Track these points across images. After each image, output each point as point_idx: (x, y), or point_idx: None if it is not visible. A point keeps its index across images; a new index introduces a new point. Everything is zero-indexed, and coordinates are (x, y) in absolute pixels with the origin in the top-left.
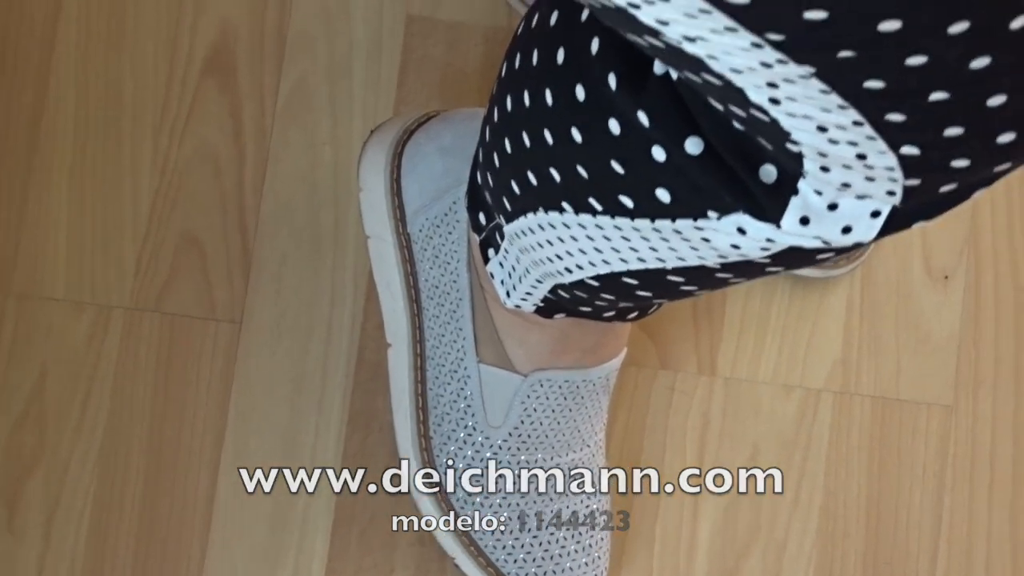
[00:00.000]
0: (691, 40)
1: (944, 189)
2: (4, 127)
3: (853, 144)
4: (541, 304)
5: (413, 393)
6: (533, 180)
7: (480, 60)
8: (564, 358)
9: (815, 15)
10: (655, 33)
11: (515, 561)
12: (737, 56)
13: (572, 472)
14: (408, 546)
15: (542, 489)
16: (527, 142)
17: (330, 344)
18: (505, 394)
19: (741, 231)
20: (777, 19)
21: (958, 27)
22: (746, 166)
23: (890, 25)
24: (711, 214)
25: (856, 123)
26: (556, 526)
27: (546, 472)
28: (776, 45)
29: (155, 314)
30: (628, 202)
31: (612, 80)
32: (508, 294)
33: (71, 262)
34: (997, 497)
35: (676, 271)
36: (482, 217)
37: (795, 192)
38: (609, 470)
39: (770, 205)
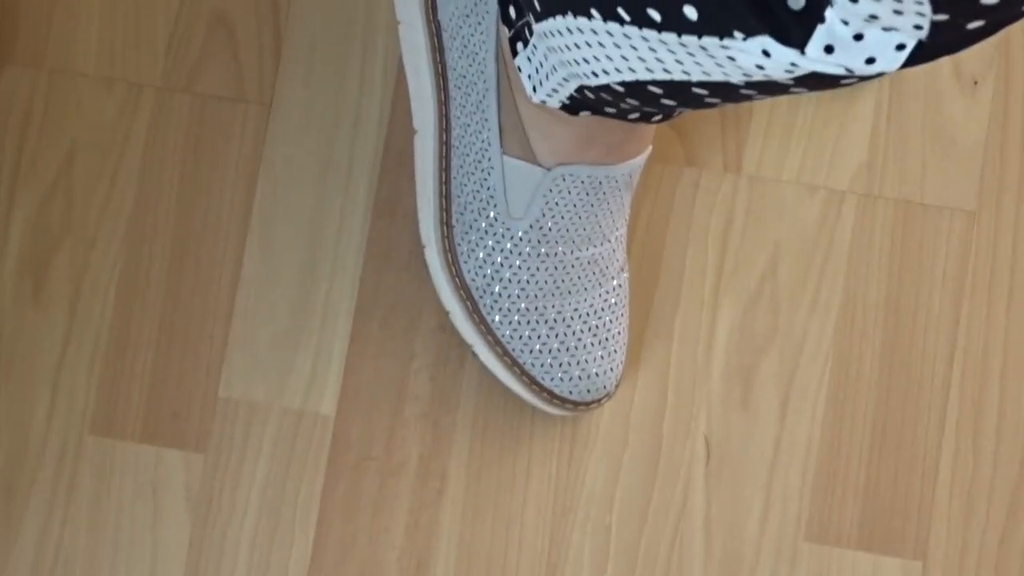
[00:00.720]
0: None
1: (972, 26)
2: None
3: None
4: (567, 102)
5: (437, 181)
6: None
7: None
8: (588, 153)
9: None
10: None
11: (531, 352)
12: None
13: (591, 265)
14: (430, 332)
15: (561, 282)
16: None
17: (359, 129)
18: (528, 186)
19: (766, 53)
20: None
21: None
22: None
23: None
24: (737, 34)
25: None
26: (573, 319)
27: (565, 265)
28: None
29: (185, 94)
30: (656, 15)
31: None
32: (535, 89)
33: (103, 39)
34: (1015, 304)
35: (701, 84)
36: (512, 11)
37: (822, 20)
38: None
39: (796, 31)
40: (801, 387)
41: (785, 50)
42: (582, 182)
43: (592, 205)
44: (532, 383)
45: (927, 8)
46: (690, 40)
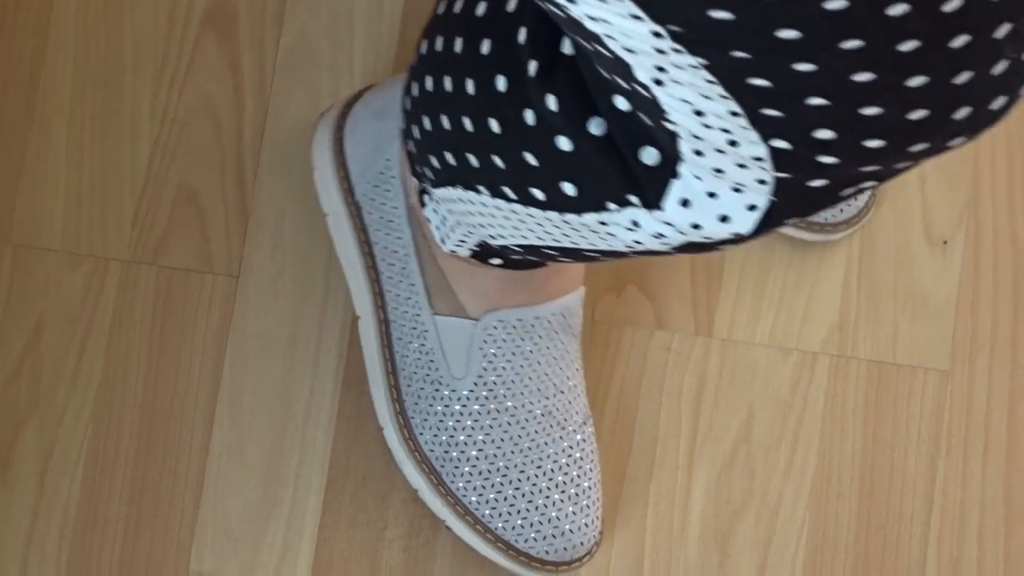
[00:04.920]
0: (593, 20)
1: (815, 184)
2: (4, 77)
3: (726, 131)
4: (476, 249)
5: (382, 359)
6: (451, 160)
7: None
8: (513, 297)
9: (721, 15)
10: (561, 7)
11: (500, 515)
12: (634, 39)
13: (547, 418)
14: (402, 503)
15: (518, 438)
16: (446, 125)
17: (327, 301)
18: (463, 342)
19: (636, 224)
20: (684, 14)
21: (851, 44)
22: (632, 145)
23: (789, 34)
24: (611, 206)
25: (733, 113)
26: (538, 476)
27: (519, 421)
28: (676, 36)
29: (152, 267)
30: (539, 195)
31: (532, 67)
32: (443, 241)
33: (69, 213)
34: (991, 463)
35: (592, 251)
36: (416, 166)
37: (676, 175)
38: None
39: (652, 187)
40: (778, 551)
41: (651, 219)
42: (513, 327)
43: (531, 352)
44: (508, 548)
45: (768, 164)
46: (572, 218)
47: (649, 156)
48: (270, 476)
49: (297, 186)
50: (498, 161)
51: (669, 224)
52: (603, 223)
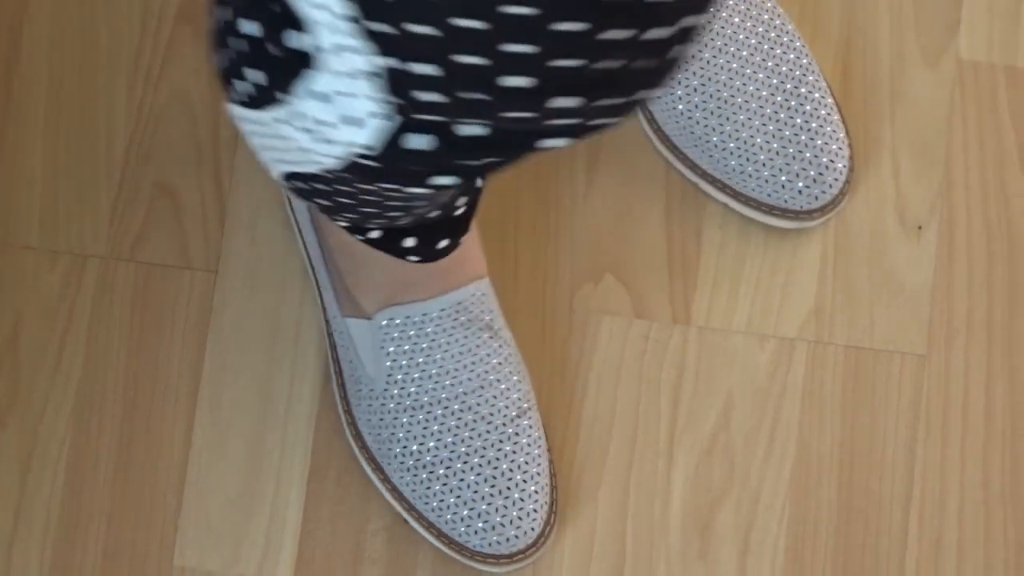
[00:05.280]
0: None
1: (465, 132)
2: None
3: (345, 34)
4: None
5: (331, 358)
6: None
7: None
8: (402, 293)
9: None
10: None
11: (434, 509)
12: None
13: (470, 413)
14: (383, 495)
15: (441, 435)
16: None
17: (306, 295)
18: (368, 342)
19: (284, 120)
20: None
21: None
22: (273, 29)
23: None
24: (280, 95)
25: (350, 18)
26: (464, 471)
27: (437, 417)
28: None
29: (130, 263)
30: (243, 89)
31: None
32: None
33: (45, 210)
34: (969, 446)
35: (342, 180)
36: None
37: (311, 65)
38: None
39: (287, 72)
40: (759, 537)
41: (291, 111)
42: (405, 325)
43: (428, 349)
44: (450, 543)
45: (381, 83)
46: (257, 117)
47: (290, 39)
48: (252, 470)
49: (274, 181)
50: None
51: (304, 116)
52: (276, 120)
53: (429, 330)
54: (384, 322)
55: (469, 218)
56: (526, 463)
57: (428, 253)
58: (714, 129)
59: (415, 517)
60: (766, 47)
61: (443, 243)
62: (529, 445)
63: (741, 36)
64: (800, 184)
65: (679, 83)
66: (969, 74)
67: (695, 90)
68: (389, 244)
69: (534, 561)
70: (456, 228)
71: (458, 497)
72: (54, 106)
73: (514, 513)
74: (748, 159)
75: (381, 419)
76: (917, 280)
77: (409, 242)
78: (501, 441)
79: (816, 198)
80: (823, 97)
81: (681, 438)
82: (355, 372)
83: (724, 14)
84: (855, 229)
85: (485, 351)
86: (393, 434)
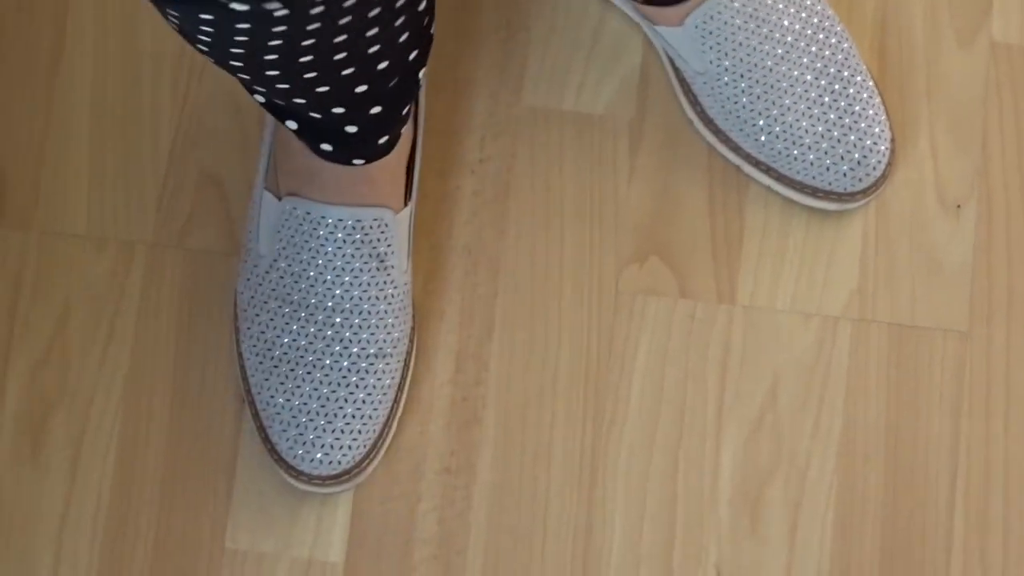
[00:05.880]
0: None
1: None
2: (24, 67)
3: None
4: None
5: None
6: None
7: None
8: (312, 188)
9: None
10: None
11: (263, 400)
12: None
13: (329, 331)
14: (435, 475)
15: (296, 336)
16: None
17: None
18: (270, 220)
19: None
20: None
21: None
22: None
23: None
24: None
25: None
26: (304, 380)
27: (299, 319)
28: None
29: (177, 250)
30: None
31: None
32: None
33: (93, 198)
34: (1013, 420)
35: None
36: None
37: None
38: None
39: None
40: (808, 513)
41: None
42: (301, 219)
43: (313, 250)
44: (265, 438)
45: None
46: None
47: None
48: None
49: None
50: None
51: None
52: None
53: (320, 233)
54: (287, 208)
55: (385, 145)
56: (363, 401)
57: (341, 158)
58: (760, 113)
59: (248, 399)
60: (809, 32)
61: (358, 161)
62: (374, 387)
63: (785, 22)
64: (844, 167)
65: (724, 68)
66: (1003, 55)
67: (741, 76)
68: (309, 140)
69: (325, 493)
70: (370, 148)
71: (287, 400)
72: (100, 96)
73: (329, 440)
74: (793, 142)
75: (252, 296)
76: (957, 258)
77: (326, 147)
78: (349, 371)
79: (860, 180)
80: (864, 80)
81: (729, 416)
82: (250, 243)
83: (768, 1)
84: (895, 209)
85: (365, 278)
86: (258, 315)
